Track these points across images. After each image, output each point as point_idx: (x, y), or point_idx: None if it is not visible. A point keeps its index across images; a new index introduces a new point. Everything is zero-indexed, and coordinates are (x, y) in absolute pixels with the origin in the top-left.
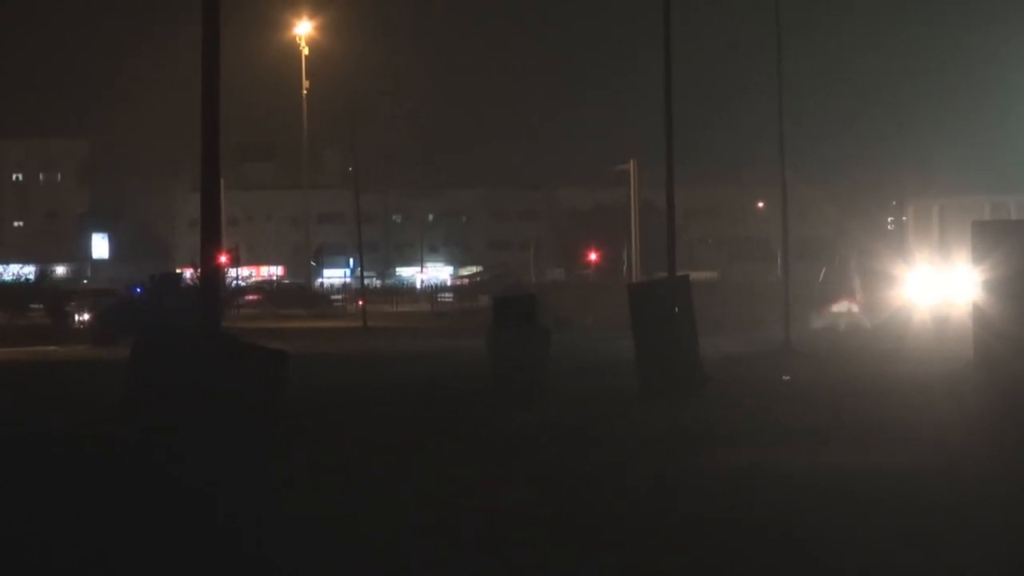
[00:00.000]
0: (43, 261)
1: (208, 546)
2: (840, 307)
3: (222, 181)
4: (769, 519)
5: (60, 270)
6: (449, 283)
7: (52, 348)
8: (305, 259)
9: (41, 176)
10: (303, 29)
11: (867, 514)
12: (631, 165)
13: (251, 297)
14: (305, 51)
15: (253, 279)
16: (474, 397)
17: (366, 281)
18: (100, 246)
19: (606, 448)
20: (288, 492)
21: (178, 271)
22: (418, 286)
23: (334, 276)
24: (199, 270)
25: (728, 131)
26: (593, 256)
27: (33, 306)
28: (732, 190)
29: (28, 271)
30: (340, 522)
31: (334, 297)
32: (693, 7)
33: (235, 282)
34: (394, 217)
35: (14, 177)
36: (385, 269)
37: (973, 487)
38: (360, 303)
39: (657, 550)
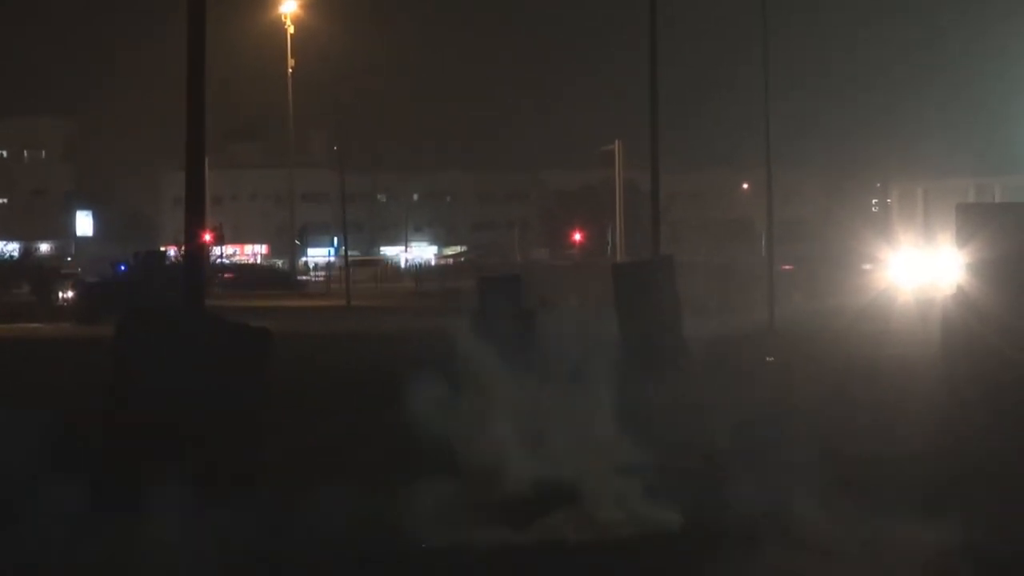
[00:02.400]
0: (27, 238)
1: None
2: None
3: (207, 160)
4: None
5: (44, 247)
6: (433, 263)
7: (36, 325)
8: (289, 238)
9: (26, 154)
10: (288, 7)
11: None
12: (616, 145)
13: (227, 276)
14: (290, 30)
15: (236, 257)
16: None
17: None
18: (85, 224)
19: None
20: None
21: (162, 249)
22: (402, 265)
23: (318, 255)
24: (183, 248)
25: (714, 113)
26: (578, 236)
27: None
28: (717, 172)
29: (12, 248)
30: None
31: (305, 277)
32: None
33: (219, 260)
34: (379, 196)
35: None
36: (370, 248)
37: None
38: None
39: None
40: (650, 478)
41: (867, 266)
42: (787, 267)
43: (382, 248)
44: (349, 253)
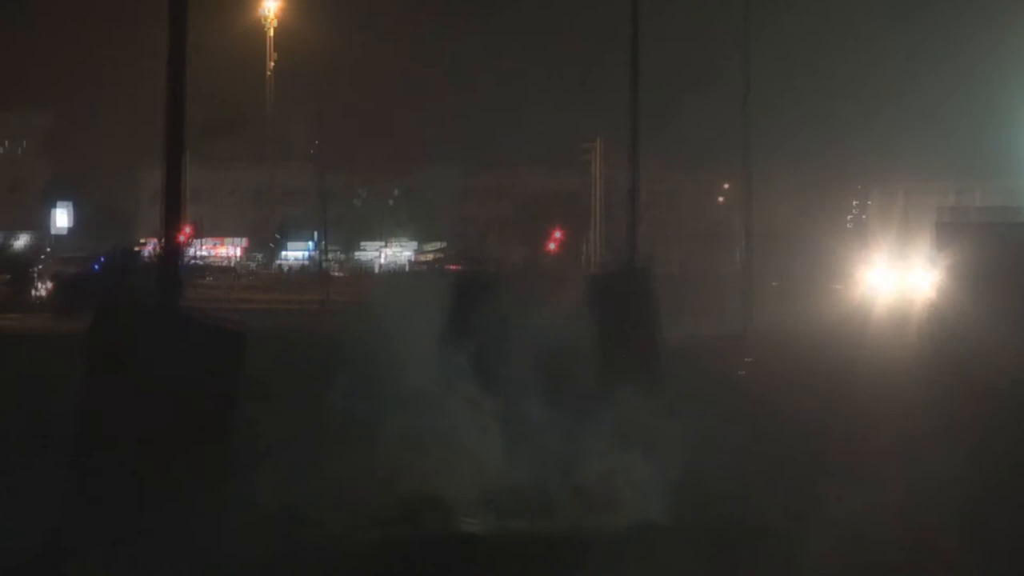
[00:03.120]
0: (4, 231)
1: None
2: None
3: (186, 155)
4: None
5: (21, 241)
6: (407, 268)
7: (13, 317)
8: (268, 234)
9: (3, 147)
10: (271, 4)
11: None
12: (596, 144)
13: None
14: (272, 26)
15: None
16: None
17: (329, 256)
18: (61, 218)
19: None
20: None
21: (140, 243)
22: (381, 262)
23: (297, 252)
24: (160, 244)
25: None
26: (557, 234)
27: None
28: (696, 177)
29: None
30: None
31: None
32: None
33: (193, 259)
34: (359, 191)
35: None
36: (348, 247)
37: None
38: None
39: None
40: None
41: (838, 286)
42: (775, 283)
43: (361, 244)
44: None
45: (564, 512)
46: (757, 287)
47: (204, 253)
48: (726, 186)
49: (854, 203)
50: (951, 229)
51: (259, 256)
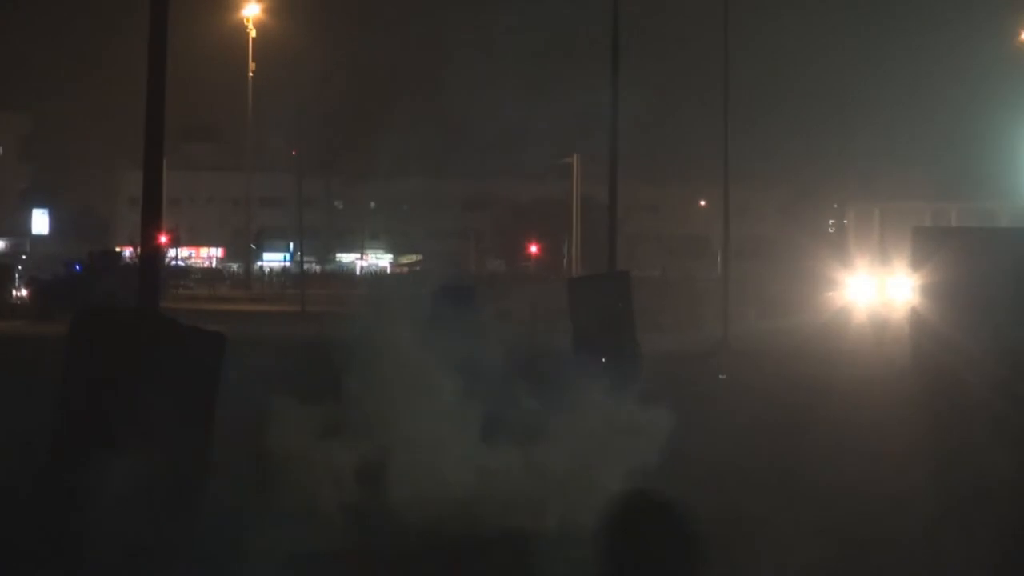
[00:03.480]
0: None
1: None
2: None
3: (164, 160)
4: None
5: None
6: (389, 271)
7: None
8: (245, 242)
9: None
10: (251, 11)
11: None
12: (574, 159)
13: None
14: (252, 33)
15: (192, 260)
16: None
17: (305, 266)
18: (40, 222)
19: None
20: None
21: (117, 249)
22: (358, 272)
23: (274, 260)
24: (138, 249)
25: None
26: (534, 249)
27: None
28: (674, 188)
29: None
30: None
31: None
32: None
33: (174, 262)
34: (336, 203)
35: None
36: (325, 255)
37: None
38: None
39: None
40: None
41: (830, 293)
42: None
43: (338, 255)
44: (305, 258)
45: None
46: (738, 295)
47: (186, 254)
48: (703, 203)
49: (830, 222)
50: (930, 234)
51: (234, 266)
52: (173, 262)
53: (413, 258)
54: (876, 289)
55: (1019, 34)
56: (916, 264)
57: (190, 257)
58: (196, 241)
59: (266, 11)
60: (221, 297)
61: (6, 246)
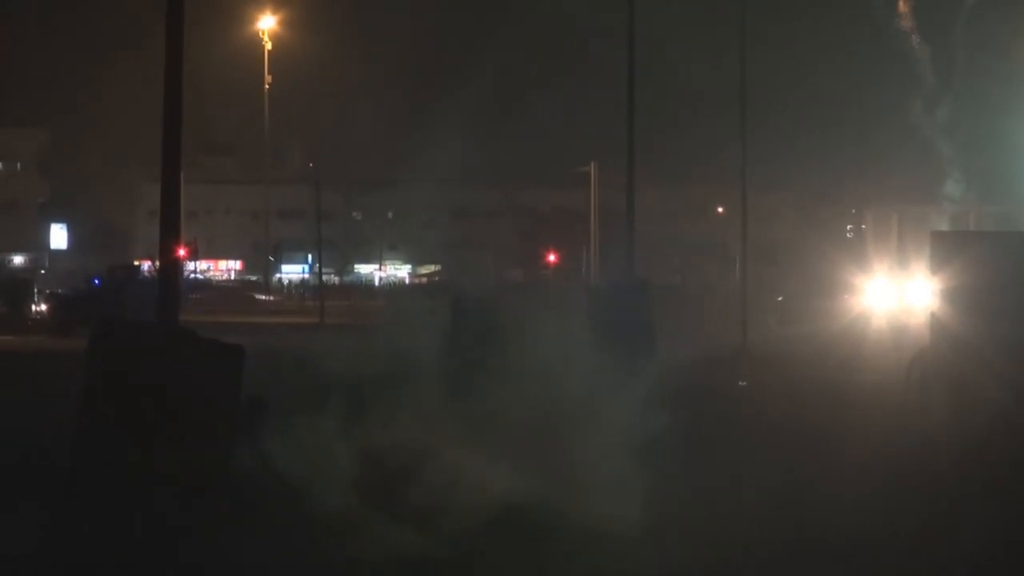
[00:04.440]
0: (1, 251)
1: None
2: None
3: (182, 174)
4: None
5: (18, 260)
6: (408, 281)
7: (9, 338)
8: (264, 254)
9: (0, 166)
10: (266, 23)
11: None
12: (591, 167)
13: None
14: (268, 46)
15: (211, 273)
16: None
17: (324, 278)
18: (59, 236)
19: None
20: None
21: (135, 263)
22: (376, 283)
23: (292, 272)
24: (158, 262)
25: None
26: (552, 257)
27: None
28: (692, 193)
29: None
30: None
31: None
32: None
33: (192, 275)
34: (354, 214)
35: None
36: (344, 266)
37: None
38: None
39: None
40: None
41: (847, 295)
42: (780, 298)
43: (356, 266)
44: (324, 270)
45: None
46: (757, 300)
47: (204, 266)
48: (720, 210)
49: (848, 227)
50: (948, 238)
51: (253, 278)
52: (191, 275)
53: (431, 268)
54: (895, 294)
55: None
56: (935, 268)
57: (208, 270)
58: (214, 254)
59: (281, 23)
60: (239, 309)
61: (25, 261)
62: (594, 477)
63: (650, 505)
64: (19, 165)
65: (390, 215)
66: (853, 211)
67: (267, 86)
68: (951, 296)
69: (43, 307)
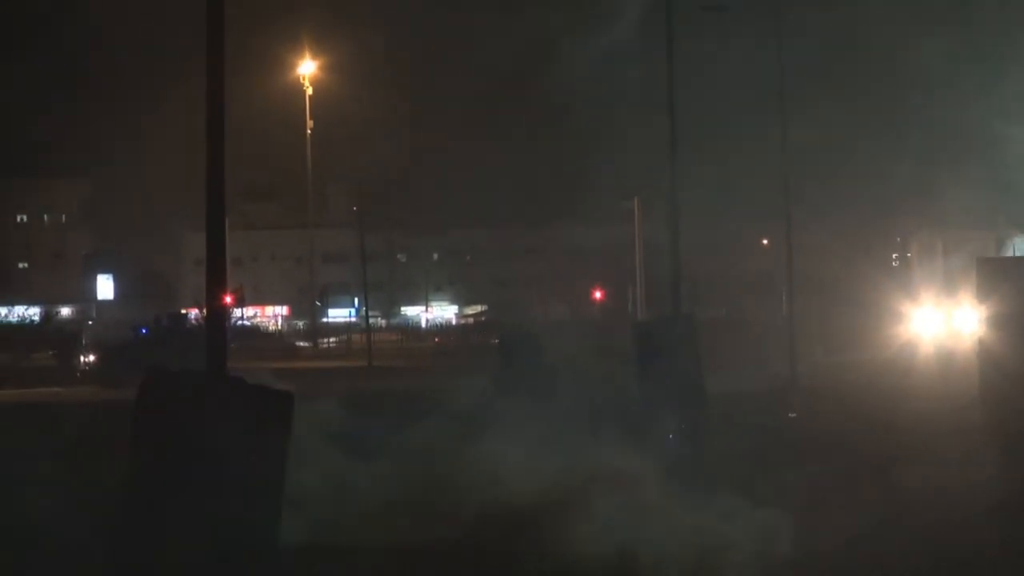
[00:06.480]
0: (48, 302)
1: None
2: None
3: (227, 221)
4: None
5: (65, 311)
6: (454, 322)
7: (57, 390)
8: (310, 299)
9: (45, 217)
10: (307, 68)
11: None
12: (635, 202)
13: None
14: (309, 91)
15: (258, 319)
16: None
17: (371, 321)
18: (105, 287)
19: None
20: None
21: (182, 311)
22: (423, 325)
23: (339, 316)
24: (204, 310)
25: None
26: (598, 294)
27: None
28: (736, 225)
29: (33, 312)
30: None
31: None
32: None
33: (239, 322)
34: (399, 256)
35: (18, 219)
36: (390, 309)
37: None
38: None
39: None
40: None
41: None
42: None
43: (403, 308)
44: (370, 313)
45: None
46: (804, 331)
47: (251, 313)
48: (765, 242)
49: (894, 255)
50: (995, 264)
51: (300, 324)
52: (238, 322)
53: (478, 308)
54: (942, 321)
55: None
56: (982, 295)
57: (255, 316)
58: (260, 300)
59: (322, 68)
60: (287, 355)
61: (73, 312)
62: None
63: None
64: (64, 217)
65: (435, 256)
66: (898, 239)
67: (309, 131)
68: (998, 322)
69: (92, 358)
